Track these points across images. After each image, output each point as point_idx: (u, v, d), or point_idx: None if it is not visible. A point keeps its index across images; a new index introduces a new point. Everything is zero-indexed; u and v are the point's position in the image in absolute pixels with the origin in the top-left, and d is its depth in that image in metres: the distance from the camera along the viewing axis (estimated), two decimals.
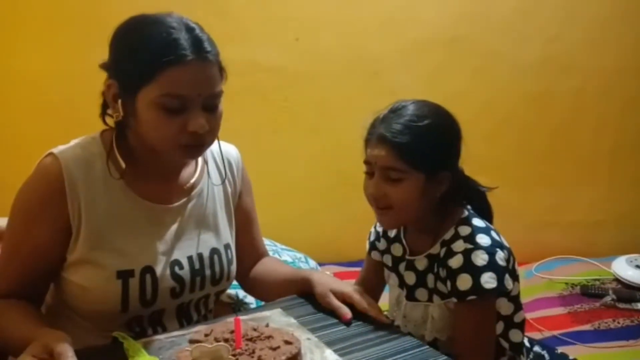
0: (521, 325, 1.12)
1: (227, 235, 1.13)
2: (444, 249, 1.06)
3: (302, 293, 1.10)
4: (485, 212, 1.12)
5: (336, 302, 1.02)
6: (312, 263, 2.00)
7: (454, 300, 1.02)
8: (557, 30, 2.43)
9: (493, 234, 1.06)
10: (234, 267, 1.13)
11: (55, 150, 0.97)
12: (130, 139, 1.00)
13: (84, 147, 0.99)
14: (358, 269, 2.26)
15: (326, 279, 1.09)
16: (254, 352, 0.81)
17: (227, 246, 1.11)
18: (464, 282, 1.00)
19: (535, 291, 2.08)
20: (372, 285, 1.29)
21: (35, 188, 0.96)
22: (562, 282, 2.19)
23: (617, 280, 2.18)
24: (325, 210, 2.45)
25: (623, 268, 2.19)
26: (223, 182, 1.14)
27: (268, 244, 1.90)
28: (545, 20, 2.42)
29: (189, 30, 0.91)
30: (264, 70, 2.28)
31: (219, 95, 0.95)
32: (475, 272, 1.00)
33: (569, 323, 1.88)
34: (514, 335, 1.11)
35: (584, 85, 2.48)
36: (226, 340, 0.84)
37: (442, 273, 1.05)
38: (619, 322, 1.88)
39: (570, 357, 1.44)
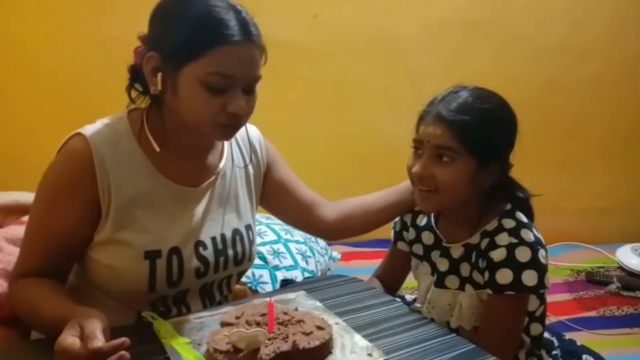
0: (541, 319, 1.12)
1: (249, 216, 1.13)
2: (485, 240, 1.05)
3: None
4: (527, 216, 1.09)
5: None
6: (322, 243, 2.01)
7: (489, 291, 1.02)
8: (579, 15, 2.40)
9: (535, 231, 1.05)
10: (254, 247, 1.13)
11: (82, 130, 0.96)
12: (161, 117, 0.99)
13: (111, 127, 0.98)
14: (366, 249, 2.30)
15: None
16: (287, 336, 0.81)
17: (248, 227, 1.12)
18: (505, 276, 0.99)
19: None
20: (394, 275, 1.29)
21: (65, 169, 0.95)
22: (567, 269, 2.21)
23: (621, 268, 2.20)
24: (337, 190, 2.44)
25: (628, 256, 2.21)
26: (246, 167, 1.14)
27: (279, 222, 1.91)
28: (567, 5, 2.39)
29: (237, 12, 0.91)
30: (280, 45, 2.20)
31: (258, 79, 0.96)
32: (518, 267, 0.99)
33: (575, 309, 1.90)
34: (534, 328, 1.11)
35: (603, 71, 2.46)
36: (258, 324, 0.85)
37: (482, 264, 1.05)
38: (623, 310, 1.91)
39: (578, 343, 1.45)
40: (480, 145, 1.01)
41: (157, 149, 0.97)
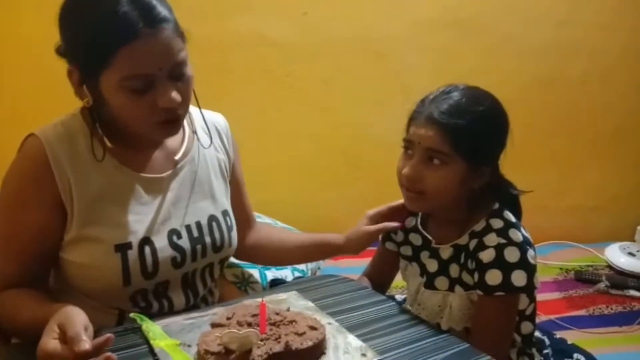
0: (531, 317, 1.11)
1: (224, 201, 1.12)
2: (474, 241, 1.04)
3: (330, 257, 1.22)
4: (515, 214, 1.08)
5: (375, 227, 1.12)
6: None
7: (479, 292, 1.01)
8: (567, 12, 2.40)
9: (523, 230, 1.04)
10: (234, 233, 1.11)
11: (35, 130, 0.94)
12: (110, 115, 0.96)
13: (65, 125, 0.96)
14: None
15: (351, 236, 1.16)
16: (279, 337, 0.79)
17: (224, 212, 1.10)
18: (494, 277, 0.98)
19: None
20: (383, 273, 1.27)
21: (21, 171, 0.93)
22: (556, 267, 2.22)
23: (610, 266, 2.21)
24: (327, 190, 2.43)
25: (616, 255, 2.23)
26: (211, 144, 1.11)
27: (268, 221, 1.90)
28: (554, 3, 2.39)
29: None
30: (268, 44, 2.22)
31: (183, 63, 0.89)
32: (507, 268, 0.98)
33: (565, 308, 1.91)
34: (525, 327, 1.10)
35: (591, 68, 2.46)
36: (249, 325, 0.83)
37: (471, 265, 1.03)
38: (612, 308, 1.92)
39: (569, 342, 1.46)
40: (473, 149, 0.99)
41: (109, 144, 0.94)
